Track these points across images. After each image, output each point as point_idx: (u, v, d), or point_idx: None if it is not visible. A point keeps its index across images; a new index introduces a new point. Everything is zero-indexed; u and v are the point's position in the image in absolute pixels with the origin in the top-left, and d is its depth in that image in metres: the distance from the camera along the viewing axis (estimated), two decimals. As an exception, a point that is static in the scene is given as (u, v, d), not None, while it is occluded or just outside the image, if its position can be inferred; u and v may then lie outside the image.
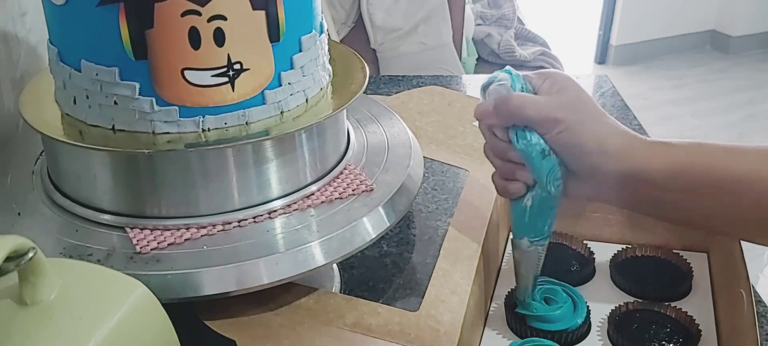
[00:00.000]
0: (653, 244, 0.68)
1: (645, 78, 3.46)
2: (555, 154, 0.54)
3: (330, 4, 1.69)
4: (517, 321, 0.60)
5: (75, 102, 0.52)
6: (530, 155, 0.54)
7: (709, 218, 0.54)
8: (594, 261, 0.67)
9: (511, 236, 0.60)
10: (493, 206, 0.66)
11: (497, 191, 0.59)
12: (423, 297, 0.55)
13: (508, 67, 0.57)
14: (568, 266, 0.66)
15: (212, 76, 0.49)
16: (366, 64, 0.62)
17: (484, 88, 0.57)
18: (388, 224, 0.55)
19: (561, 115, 0.53)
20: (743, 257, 0.58)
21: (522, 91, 0.55)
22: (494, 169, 0.59)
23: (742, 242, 0.59)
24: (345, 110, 0.59)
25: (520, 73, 0.56)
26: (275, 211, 0.54)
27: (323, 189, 0.57)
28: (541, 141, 0.54)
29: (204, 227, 0.52)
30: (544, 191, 0.55)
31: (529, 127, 0.54)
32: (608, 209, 0.68)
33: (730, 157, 0.51)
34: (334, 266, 0.62)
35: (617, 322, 0.59)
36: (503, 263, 0.69)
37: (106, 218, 0.53)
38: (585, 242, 0.68)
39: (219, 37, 0.48)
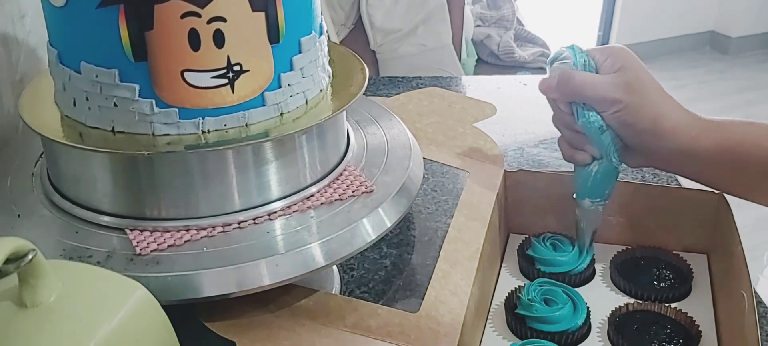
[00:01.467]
0: (653, 245, 0.68)
1: (644, 79, 3.46)
2: (611, 129, 0.59)
3: (329, 5, 1.70)
4: (517, 322, 0.60)
5: (75, 104, 0.52)
6: (590, 130, 0.59)
7: (753, 192, 0.58)
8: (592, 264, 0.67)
9: (574, 195, 0.65)
10: (494, 206, 0.66)
11: (564, 156, 0.64)
12: (423, 298, 0.55)
13: (573, 44, 0.61)
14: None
15: (212, 77, 0.49)
16: (365, 66, 0.62)
17: (551, 63, 0.61)
18: (388, 226, 0.55)
19: (618, 95, 0.57)
20: (745, 258, 0.58)
21: (584, 67, 0.59)
22: (560, 136, 0.64)
23: (742, 241, 0.60)
24: (345, 112, 0.59)
25: (585, 49, 0.60)
26: (275, 212, 0.54)
27: (323, 190, 0.57)
28: (600, 118, 0.58)
29: (204, 229, 0.52)
30: (606, 161, 0.60)
31: (588, 105, 0.58)
32: (609, 211, 0.68)
33: None
34: (334, 267, 0.62)
35: (617, 323, 0.59)
36: (503, 265, 0.69)
37: (106, 219, 0.53)
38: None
39: (219, 39, 0.48)
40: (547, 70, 0.62)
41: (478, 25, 2.17)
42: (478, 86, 1.09)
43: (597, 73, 0.59)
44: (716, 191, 0.64)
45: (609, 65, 0.58)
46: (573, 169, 0.64)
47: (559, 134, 0.64)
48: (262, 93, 0.51)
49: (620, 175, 0.63)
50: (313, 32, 0.54)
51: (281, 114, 0.53)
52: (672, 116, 0.57)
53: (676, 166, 0.61)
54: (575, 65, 0.59)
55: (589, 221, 0.64)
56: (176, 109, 0.49)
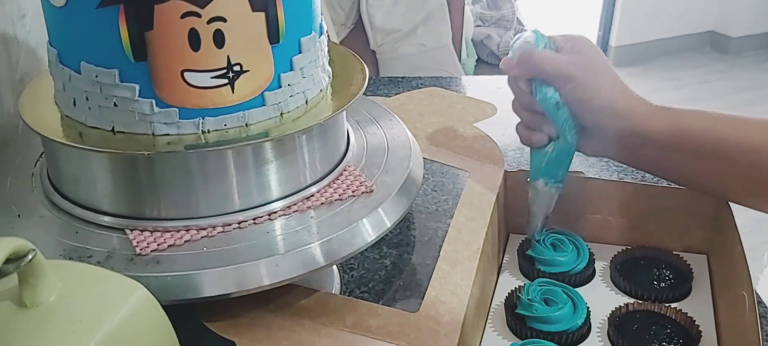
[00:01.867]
0: (653, 245, 0.68)
1: (644, 79, 3.46)
2: (568, 107, 0.61)
3: (329, 5, 1.69)
4: (517, 322, 0.60)
5: (75, 104, 0.52)
6: (547, 106, 0.61)
7: (702, 179, 0.60)
8: (594, 262, 0.67)
9: (528, 179, 0.66)
10: (494, 206, 0.66)
11: (521, 140, 0.66)
12: (423, 298, 0.55)
13: (536, 29, 0.63)
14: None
15: (212, 77, 0.49)
16: (365, 66, 0.62)
17: (513, 44, 0.64)
18: (388, 226, 0.55)
19: (574, 72, 0.59)
20: (745, 258, 0.58)
21: (545, 49, 0.61)
22: (519, 121, 0.65)
23: (742, 241, 0.60)
24: (345, 112, 0.59)
25: (547, 35, 0.63)
26: (275, 212, 0.54)
27: (323, 190, 0.57)
28: (557, 95, 0.60)
29: (204, 229, 0.52)
30: (562, 140, 0.62)
31: (547, 81, 0.61)
32: (609, 211, 0.68)
33: (728, 124, 0.57)
34: (334, 267, 0.62)
35: (617, 323, 0.59)
36: (503, 264, 0.69)
37: (106, 219, 0.53)
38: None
39: (219, 39, 0.48)
40: (510, 52, 0.64)
41: (478, 25, 2.17)
42: (478, 86, 1.09)
43: None
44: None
45: (568, 47, 0.61)
46: (531, 153, 0.66)
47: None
48: (262, 93, 0.52)
49: (621, 175, 0.63)
50: (313, 32, 0.54)
51: (281, 114, 0.53)
52: (627, 99, 0.59)
53: (630, 152, 0.62)
54: (536, 45, 0.61)
55: (541, 203, 0.65)
56: (176, 109, 0.49)
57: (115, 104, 0.50)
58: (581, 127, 0.62)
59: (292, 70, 0.53)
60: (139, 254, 0.49)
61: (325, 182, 0.57)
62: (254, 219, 0.53)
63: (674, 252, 0.67)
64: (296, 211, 0.54)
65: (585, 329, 0.59)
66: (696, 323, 0.58)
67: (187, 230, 0.51)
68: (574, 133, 0.62)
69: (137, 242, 0.50)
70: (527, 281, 0.63)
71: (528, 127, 0.65)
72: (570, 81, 0.60)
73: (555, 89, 0.61)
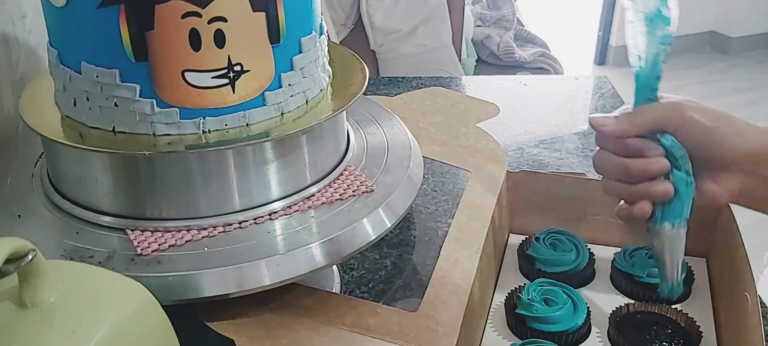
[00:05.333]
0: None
1: (644, 79, 3.45)
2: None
3: (329, 5, 1.70)
4: (517, 322, 0.60)
5: (75, 104, 0.52)
6: (675, 150, 0.55)
7: None
8: (593, 262, 0.67)
9: (648, 229, 0.58)
10: (495, 207, 0.66)
11: (626, 220, 0.59)
12: (422, 298, 0.55)
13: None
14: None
15: (213, 77, 0.49)
16: (365, 66, 0.62)
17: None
18: (388, 225, 0.55)
19: (683, 110, 0.54)
20: (747, 259, 0.58)
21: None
22: (620, 206, 0.58)
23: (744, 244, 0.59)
24: (345, 112, 0.59)
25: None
26: (276, 212, 0.54)
27: (323, 190, 0.57)
28: (669, 137, 0.55)
29: (205, 229, 0.52)
30: (683, 175, 0.55)
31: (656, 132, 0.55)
32: (609, 212, 0.68)
33: None
34: (334, 267, 0.62)
35: (617, 323, 0.59)
36: (503, 265, 0.69)
37: (107, 219, 0.53)
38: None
39: (219, 39, 0.48)
40: (596, 114, 0.58)
41: (478, 25, 2.16)
42: (479, 86, 1.09)
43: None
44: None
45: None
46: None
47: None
48: (263, 93, 0.52)
49: None
50: (314, 32, 0.54)
51: (282, 114, 0.53)
52: (742, 121, 0.55)
53: (762, 170, 0.54)
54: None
55: (672, 249, 0.57)
56: (177, 109, 0.49)
57: (115, 104, 0.50)
58: (700, 171, 0.55)
59: (292, 70, 0.53)
60: (140, 254, 0.49)
61: (326, 181, 0.57)
62: (255, 219, 0.53)
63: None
64: (297, 211, 0.54)
65: (585, 329, 0.59)
66: (696, 323, 0.58)
67: (188, 230, 0.51)
68: (690, 166, 0.55)
69: (138, 242, 0.50)
70: (527, 281, 0.63)
71: (630, 201, 0.57)
72: (685, 120, 0.54)
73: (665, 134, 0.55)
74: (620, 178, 0.56)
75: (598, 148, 0.58)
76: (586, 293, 0.62)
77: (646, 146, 0.55)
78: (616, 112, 0.57)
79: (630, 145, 0.55)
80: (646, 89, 0.56)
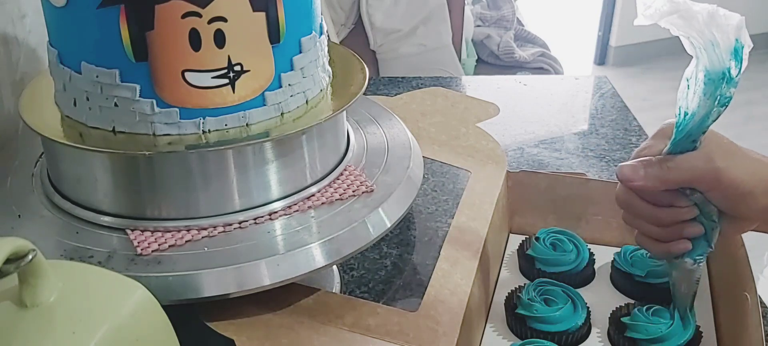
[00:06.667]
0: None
1: (644, 79, 3.46)
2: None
3: (329, 5, 1.70)
4: (517, 322, 0.60)
5: (75, 104, 0.52)
6: (699, 204, 0.53)
7: None
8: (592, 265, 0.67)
9: (667, 258, 0.57)
10: (495, 207, 0.67)
11: (658, 255, 0.58)
12: (422, 298, 0.55)
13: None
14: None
15: (213, 77, 0.49)
16: (365, 66, 0.62)
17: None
18: (389, 225, 0.55)
19: (712, 164, 0.51)
20: (748, 259, 0.58)
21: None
22: (645, 236, 0.56)
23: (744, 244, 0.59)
24: (345, 112, 0.59)
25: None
26: (276, 212, 0.54)
27: (323, 190, 0.57)
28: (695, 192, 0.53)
29: (205, 229, 0.52)
30: (708, 219, 0.54)
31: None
32: (609, 212, 0.68)
33: None
34: (334, 267, 0.62)
35: (618, 323, 0.59)
36: (503, 265, 0.69)
37: (107, 219, 0.53)
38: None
39: (219, 39, 0.48)
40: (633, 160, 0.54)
41: (478, 25, 2.17)
42: (479, 86, 1.09)
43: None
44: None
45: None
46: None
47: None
48: (263, 93, 0.52)
49: (613, 176, 0.61)
50: (314, 32, 0.54)
51: (282, 114, 0.53)
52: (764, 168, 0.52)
53: None
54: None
55: (690, 282, 0.57)
56: (177, 109, 0.49)
57: (115, 104, 0.50)
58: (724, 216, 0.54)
59: (292, 70, 0.53)
60: (140, 254, 0.49)
61: (326, 181, 0.57)
62: (255, 219, 0.53)
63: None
64: (297, 211, 0.54)
65: (585, 329, 0.59)
66: (697, 323, 0.58)
67: (188, 230, 0.51)
68: (717, 212, 0.54)
69: (138, 242, 0.50)
70: (527, 281, 0.63)
71: (666, 240, 0.55)
72: (718, 184, 0.51)
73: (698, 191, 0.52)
74: (652, 222, 0.55)
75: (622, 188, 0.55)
76: (586, 293, 0.62)
77: (675, 199, 0.53)
78: (647, 146, 0.54)
79: (659, 196, 0.54)
80: (686, 140, 0.51)
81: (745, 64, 0.49)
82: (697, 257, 0.55)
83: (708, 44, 0.48)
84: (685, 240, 0.54)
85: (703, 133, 0.51)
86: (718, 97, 0.48)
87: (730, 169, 0.51)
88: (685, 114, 0.50)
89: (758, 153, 0.53)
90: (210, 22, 0.47)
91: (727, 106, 0.49)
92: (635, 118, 1.00)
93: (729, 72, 0.48)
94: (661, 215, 0.54)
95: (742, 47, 0.48)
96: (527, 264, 0.67)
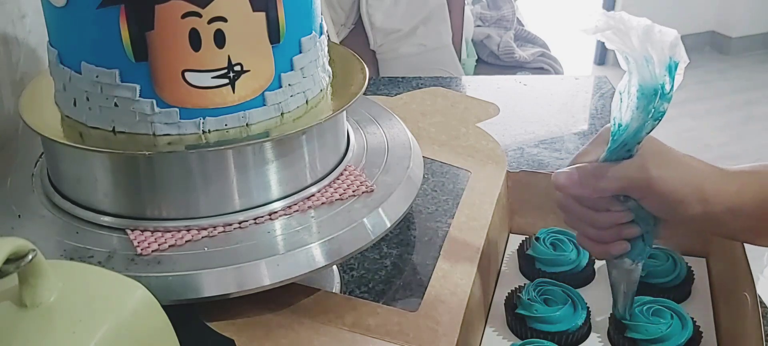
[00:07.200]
0: (653, 247, 0.68)
1: (644, 79, 3.46)
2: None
3: (329, 5, 1.70)
4: (517, 322, 0.60)
5: (75, 104, 0.52)
6: (634, 210, 0.54)
7: None
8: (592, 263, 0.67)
9: (606, 259, 0.59)
10: (495, 207, 0.66)
11: (599, 257, 0.60)
12: (422, 298, 0.55)
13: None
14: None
15: (213, 77, 0.49)
16: (365, 66, 0.62)
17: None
18: (388, 225, 0.55)
19: (647, 173, 0.51)
20: (747, 259, 0.58)
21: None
22: (585, 237, 0.57)
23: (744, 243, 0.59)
24: (345, 112, 0.59)
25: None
26: (276, 212, 0.54)
27: (323, 190, 0.57)
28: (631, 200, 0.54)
29: (205, 229, 0.52)
30: (645, 223, 0.55)
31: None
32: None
33: None
34: (334, 267, 0.62)
35: (618, 323, 0.59)
36: (503, 265, 0.69)
37: (107, 219, 0.53)
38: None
39: (219, 39, 0.48)
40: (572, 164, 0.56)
41: (478, 25, 2.16)
42: (479, 86, 1.09)
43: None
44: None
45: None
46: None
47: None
48: (263, 93, 0.52)
49: None
50: (314, 32, 0.54)
51: (282, 114, 0.53)
52: (711, 178, 0.52)
53: (717, 228, 0.55)
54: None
55: (629, 282, 0.58)
56: (177, 109, 0.49)
57: (115, 104, 0.50)
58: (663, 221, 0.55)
59: (292, 70, 0.53)
60: (140, 254, 0.49)
61: (326, 181, 0.57)
62: (255, 219, 0.53)
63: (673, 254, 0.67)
64: (297, 211, 0.54)
65: (585, 329, 0.59)
66: (696, 323, 0.58)
67: (188, 230, 0.51)
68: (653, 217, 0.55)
69: (138, 242, 0.50)
70: (527, 281, 0.63)
71: (601, 242, 0.56)
72: (650, 192, 0.52)
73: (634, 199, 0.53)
74: (590, 225, 0.56)
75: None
76: (586, 293, 0.62)
77: (611, 204, 0.54)
78: (584, 152, 0.55)
79: (596, 201, 0.54)
80: (621, 149, 0.52)
81: (679, 80, 0.49)
82: (636, 258, 0.57)
83: (642, 60, 0.48)
84: (623, 241, 0.56)
85: (639, 143, 0.51)
86: (652, 111, 0.49)
87: (662, 178, 0.51)
88: (619, 125, 0.51)
89: (696, 159, 0.53)
90: (210, 22, 0.47)
91: (661, 119, 0.50)
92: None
93: (662, 87, 0.48)
94: (598, 219, 0.55)
95: (677, 64, 0.49)
96: (527, 264, 0.67)
